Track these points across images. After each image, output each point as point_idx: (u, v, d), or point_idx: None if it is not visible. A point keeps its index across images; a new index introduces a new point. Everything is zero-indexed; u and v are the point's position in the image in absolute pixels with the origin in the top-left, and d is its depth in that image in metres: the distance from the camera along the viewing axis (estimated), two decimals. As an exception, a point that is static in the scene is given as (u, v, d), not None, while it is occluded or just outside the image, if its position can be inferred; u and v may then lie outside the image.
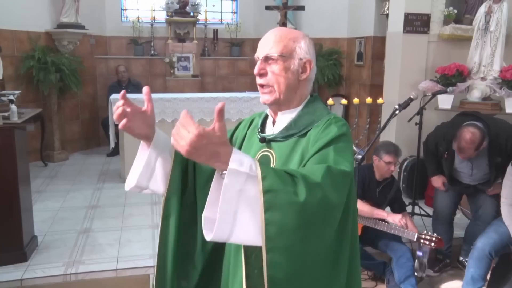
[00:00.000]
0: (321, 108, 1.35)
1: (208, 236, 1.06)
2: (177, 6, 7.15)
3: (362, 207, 3.06)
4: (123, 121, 1.23)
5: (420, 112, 3.85)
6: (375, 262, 3.25)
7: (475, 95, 4.22)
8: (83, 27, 6.12)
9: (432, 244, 2.90)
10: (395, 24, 4.69)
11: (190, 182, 1.41)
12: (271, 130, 1.37)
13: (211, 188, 1.12)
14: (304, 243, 1.08)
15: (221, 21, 7.77)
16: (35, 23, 5.76)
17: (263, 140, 1.35)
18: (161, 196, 1.37)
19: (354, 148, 3.11)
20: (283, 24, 6.46)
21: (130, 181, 1.34)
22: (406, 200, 3.70)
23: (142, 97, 1.32)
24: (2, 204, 3.07)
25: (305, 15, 7.10)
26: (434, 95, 3.96)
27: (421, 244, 2.95)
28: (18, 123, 3.30)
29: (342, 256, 1.23)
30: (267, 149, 1.34)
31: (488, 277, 3.01)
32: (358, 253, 1.35)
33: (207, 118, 5.12)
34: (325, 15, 7.02)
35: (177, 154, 1.36)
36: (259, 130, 1.40)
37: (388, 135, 4.48)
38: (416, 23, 4.55)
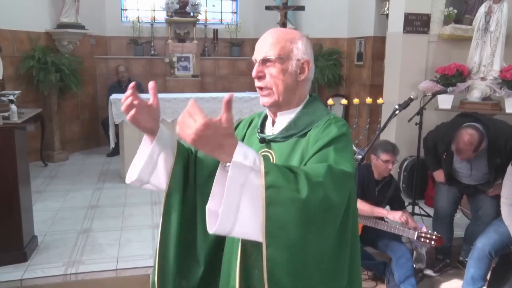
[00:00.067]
0: (321, 108, 1.35)
1: (211, 229, 1.06)
2: (177, 6, 7.15)
3: (363, 206, 3.07)
4: (132, 112, 1.23)
5: (420, 112, 3.85)
6: (375, 262, 3.25)
7: (475, 95, 4.22)
8: (83, 27, 6.12)
9: (433, 242, 2.90)
10: (395, 24, 4.69)
11: (191, 179, 1.41)
12: (270, 131, 1.37)
13: (215, 180, 1.12)
14: (304, 242, 1.08)
15: (221, 21, 7.78)
16: (35, 23, 5.76)
17: (262, 140, 1.35)
18: (162, 192, 1.37)
19: (354, 148, 3.12)
20: (283, 24, 6.46)
21: (132, 174, 1.34)
22: (406, 200, 3.70)
23: (142, 97, 1.32)
24: (2, 204, 3.07)
25: (305, 15, 7.10)
26: (434, 95, 3.96)
27: (422, 240, 2.94)
28: (18, 123, 3.29)
29: (343, 256, 1.23)
30: (267, 150, 1.35)
31: (488, 277, 3.01)
32: (359, 253, 1.35)
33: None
34: (325, 15, 7.02)
35: (179, 150, 1.36)
36: (259, 130, 1.40)
37: (388, 135, 4.48)
38: (416, 23, 4.55)
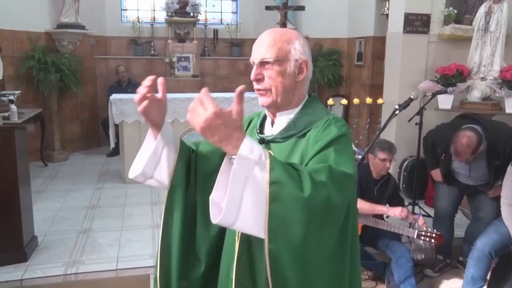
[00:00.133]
0: (320, 108, 1.35)
1: (215, 219, 1.07)
2: (177, 6, 7.15)
3: (363, 205, 3.07)
4: (144, 103, 1.27)
5: (420, 112, 3.85)
6: (375, 262, 3.25)
7: (475, 95, 4.22)
8: (83, 27, 6.12)
9: (433, 240, 2.91)
10: (395, 24, 4.69)
11: (192, 178, 1.41)
12: (270, 131, 1.37)
13: (219, 171, 1.12)
14: (305, 241, 1.07)
15: (221, 21, 7.77)
16: (35, 23, 5.76)
17: (262, 141, 1.35)
18: (164, 189, 1.38)
19: (354, 148, 3.12)
20: (283, 24, 6.46)
21: (136, 169, 1.35)
22: (406, 200, 3.70)
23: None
24: (2, 204, 3.07)
25: (305, 15, 7.10)
26: (434, 95, 3.96)
27: (422, 238, 2.94)
28: (18, 123, 3.29)
29: (344, 257, 1.23)
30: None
31: (488, 277, 3.01)
32: (359, 253, 1.35)
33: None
34: (325, 15, 7.02)
35: (182, 147, 1.37)
36: (258, 131, 1.40)
37: (388, 135, 4.48)
38: (416, 23, 4.55)
